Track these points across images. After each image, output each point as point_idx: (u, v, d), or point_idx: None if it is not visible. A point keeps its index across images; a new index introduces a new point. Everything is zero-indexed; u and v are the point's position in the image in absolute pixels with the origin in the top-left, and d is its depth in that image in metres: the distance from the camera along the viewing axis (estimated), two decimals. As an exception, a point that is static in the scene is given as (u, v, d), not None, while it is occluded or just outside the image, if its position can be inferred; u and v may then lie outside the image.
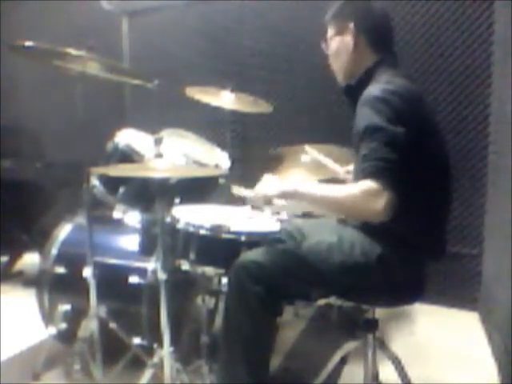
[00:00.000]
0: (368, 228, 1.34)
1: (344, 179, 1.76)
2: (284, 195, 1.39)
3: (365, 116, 1.28)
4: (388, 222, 1.21)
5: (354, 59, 1.47)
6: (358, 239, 1.35)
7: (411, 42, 2.76)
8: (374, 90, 1.31)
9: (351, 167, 1.66)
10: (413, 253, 1.32)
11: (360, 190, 1.21)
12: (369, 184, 1.20)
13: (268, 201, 1.45)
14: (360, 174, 1.23)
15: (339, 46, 1.49)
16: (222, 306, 1.75)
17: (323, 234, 1.42)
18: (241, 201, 1.90)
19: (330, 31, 1.52)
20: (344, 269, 1.31)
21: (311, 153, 1.87)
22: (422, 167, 1.29)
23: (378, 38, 1.46)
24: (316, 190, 1.33)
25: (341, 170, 1.81)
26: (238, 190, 1.64)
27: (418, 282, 1.42)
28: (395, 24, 2.77)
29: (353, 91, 1.44)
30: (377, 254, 1.30)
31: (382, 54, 1.45)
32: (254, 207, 1.85)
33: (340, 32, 1.49)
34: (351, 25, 1.45)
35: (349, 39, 1.46)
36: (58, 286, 1.99)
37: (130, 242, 1.98)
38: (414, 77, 2.76)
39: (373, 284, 1.34)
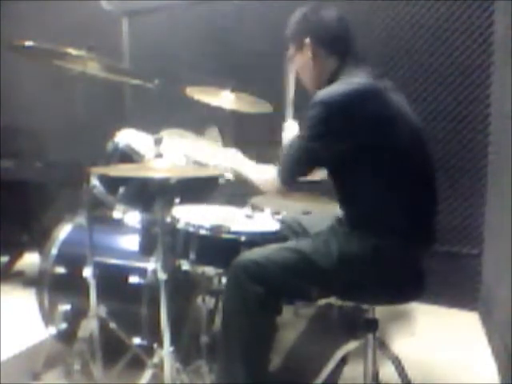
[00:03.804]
0: (361, 223, 1.39)
1: None
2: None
3: (306, 121, 1.39)
4: (378, 214, 1.35)
5: (317, 70, 1.53)
6: (353, 233, 1.39)
7: (411, 41, 2.76)
8: (322, 92, 1.37)
9: None
10: (404, 240, 1.35)
11: (267, 182, 1.53)
12: (274, 180, 1.48)
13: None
14: (276, 167, 1.48)
15: (301, 62, 1.56)
16: (222, 305, 1.75)
17: (321, 231, 1.47)
18: (241, 201, 1.90)
19: (291, 49, 1.59)
20: (342, 263, 1.34)
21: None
22: (394, 158, 1.35)
23: (336, 45, 1.51)
24: (249, 172, 1.62)
25: None
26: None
27: (416, 277, 1.43)
28: (395, 24, 2.79)
29: None
30: (372, 245, 1.33)
31: (344, 56, 1.50)
32: (254, 207, 1.85)
33: (299, 48, 1.55)
34: (307, 40, 1.51)
35: (308, 54, 1.52)
36: (58, 285, 1.99)
37: (130, 242, 1.98)
38: (415, 77, 2.77)
39: (371, 277, 1.35)
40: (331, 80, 1.46)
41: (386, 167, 1.36)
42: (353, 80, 1.40)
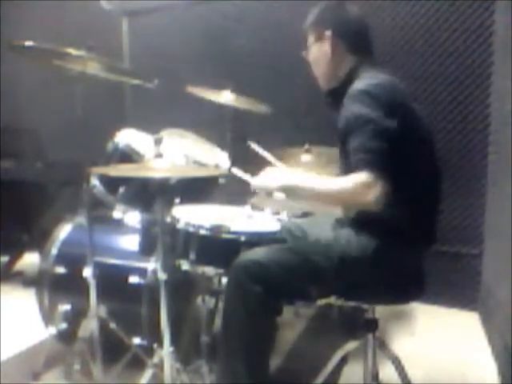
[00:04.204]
0: (361, 224, 1.38)
1: None
2: (285, 189, 1.40)
3: (352, 110, 1.32)
4: (379, 212, 1.25)
5: (333, 65, 1.51)
6: (353, 236, 1.38)
7: (411, 41, 2.76)
8: (359, 85, 1.35)
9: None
10: (404, 240, 1.34)
11: (353, 183, 1.24)
12: (361, 176, 1.23)
13: (269, 193, 1.47)
14: (352, 167, 1.26)
15: (318, 53, 1.54)
16: (222, 305, 1.75)
17: (321, 232, 1.45)
18: (241, 201, 1.90)
19: (310, 39, 1.56)
20: (343, 263, 1.34)
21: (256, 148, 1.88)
22: (408, 156, 1.33)
23: (356, 42, 1.51)
24: (314, 185, 1.35)
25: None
26: (242, 174, 1.62)
27: (417, 277, 1.43)
28: (395, 24, 2.79)
29: (336, 93, 1.47)
30: (372, 247, 1.33)
31: (362, 56, 1.49)
32: (254, 207, 1.85)
33: (318, 39, 1.53)
34: (328, 32, 1.49)
35: (327, 46, 1.50)
36: (58, 285, 1.99)
37: (130, 242, 1.98)
38: (415, 77, 2.77)
39: (372, 278, 1.35)
40: (348, 80, 1.43)
41: (392, 166, 1.35)
42: (378, 76, 1.39)
